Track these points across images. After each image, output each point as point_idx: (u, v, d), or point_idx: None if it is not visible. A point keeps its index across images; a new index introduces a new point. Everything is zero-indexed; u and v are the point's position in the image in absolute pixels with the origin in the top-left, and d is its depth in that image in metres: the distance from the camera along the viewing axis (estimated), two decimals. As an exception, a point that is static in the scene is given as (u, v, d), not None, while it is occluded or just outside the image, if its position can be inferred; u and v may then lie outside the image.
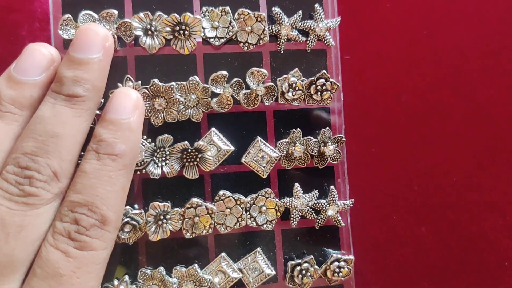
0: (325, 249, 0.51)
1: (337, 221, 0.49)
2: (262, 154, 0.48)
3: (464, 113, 0.59)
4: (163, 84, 0.46)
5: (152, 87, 0.46)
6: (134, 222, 0.45)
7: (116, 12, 0.45)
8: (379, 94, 0.58)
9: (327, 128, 0.49)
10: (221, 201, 0.47)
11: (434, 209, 0.59)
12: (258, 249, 0.48)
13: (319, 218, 0.49)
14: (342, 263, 0.49)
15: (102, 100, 0.46)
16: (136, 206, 0.47)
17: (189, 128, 0.48)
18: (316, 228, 0.49)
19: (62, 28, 0.46)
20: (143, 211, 0.46)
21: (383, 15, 0.58)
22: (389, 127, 0.58)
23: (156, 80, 0.46)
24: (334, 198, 0.48)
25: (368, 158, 0.57)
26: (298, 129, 0.48)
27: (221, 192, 0.47)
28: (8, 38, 0.56)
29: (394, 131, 0.59)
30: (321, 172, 0.50)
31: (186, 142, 0.46)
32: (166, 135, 0.46)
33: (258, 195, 0.48)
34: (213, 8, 0.47)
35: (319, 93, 0.48)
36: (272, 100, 0.48)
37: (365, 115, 0.56)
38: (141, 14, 0.46)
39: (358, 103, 0.54)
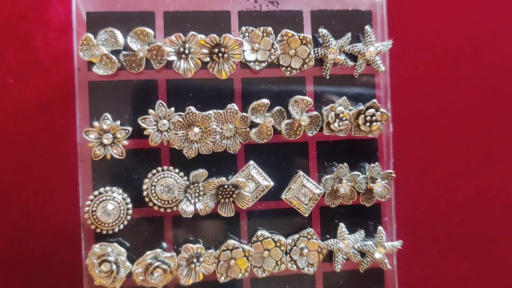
0: (367, 291, 0.46)
1: (384, 264, 0.45)
2: (304, 191, 0.43)
3: (509, 139, 0.55)
4: (200, 112, 0.41)
5: (188, 116, 0.41)
6: (165, 266, 0.41)
7: (152, 32, 0.41)
8: (417, 119, 0.53)
9: (376, 163, 0.44)
10: (259, 242, 0.43)
11: (477, 244, 0.55)
12: (298, 293, 0.44)
13: (365, 261, 0.44)
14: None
15: (130, 129, 0.41)
16: (164, 244, 0.43)
17: (224, 160, 0.43)
18: (361, 271, 0.45)
19: (82, 49, 0.41)
20: (175, 254, 0.41)
21: (424, 32, 0.54)
22: (428, 155, 0.54)
23: (192, 108, 0.41)
24: (381, 240, 0.44)
25: (406, 189, 0.53)
26: (345, 164, 0.44)
27: (259, 233, 0.43)
28: (20, 48, 0.51)
29: (433, 159, 0.54)
30: (367, 210, 0.45)
31: (224, 178, 0.42)
32: (201, 170, 0.42)
33: (300, 236, 0.43)
34: (253, 29, 0.43)
35: (368, 123, 0.43)
36: (316, 130, 0.44)
37: (401, 142, 0.51)
38: (173, 37, 0.41)
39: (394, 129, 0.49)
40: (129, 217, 0.42)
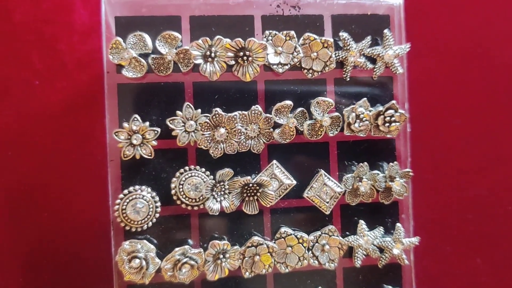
0: (384, 285, 0.48)
1: (401, 260, 0.46)
2: (326, 189, 0.45)
3: (520, 138, 0.57)
4: (226, 114, 0.43)
5: (214, 117, 0.42)
6: (192, 262, 0.42)
7: (180, 36, 0.42)
8: (429, 117, 0.55)
9: (395, 162, 0.46)
10: (282, 239, 0.44)
11: (490, 239, 0.57)
12: (319, 288, 0.46)
13: (383, 256, 0.46)
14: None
15: (158, 130, 0.42)
16: (190, 241, 0.44)
17: (248, 159, 0.45)
18: (379, 267, 0.46)
19: (112, 52, 0.42)
20: (202, 250, 0.43)
21: (440, 35, 0.55)
22: (441, 153, 0.56)
23: (218, 110, 0.43)
24: (400, 236, 0.46)
25: (421, 187, 0.54)
26: (366, 163, 0.45)
27: (282, 230, 0.44)
28: (45, 52, 0.52)
29: (445, 157, 0.56)
30: (385, 207, 0.47)
31: (249, 177, 0.43)
32: (227, 169, 0.43)
33: (322, 233, 0.45)
34: (276, 32, 0.44)
35: (386, 124, 0.45)
36: (337, 131, 0.45)
37: (414, 140, 0.52)
38: (200, 41, 0.42)
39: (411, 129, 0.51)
40: (157, 215, 0.43)
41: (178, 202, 0.43)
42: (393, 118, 0.45)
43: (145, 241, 0.43)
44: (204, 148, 0.43)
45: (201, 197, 0.43)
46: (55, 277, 0.49)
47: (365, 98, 0.45)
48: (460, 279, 0.55)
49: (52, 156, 0.51)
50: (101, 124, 0.51)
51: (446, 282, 0.55)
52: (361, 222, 0.46)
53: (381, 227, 0.46)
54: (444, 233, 0.55)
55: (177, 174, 0.43)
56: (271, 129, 0.44)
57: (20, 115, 0.50)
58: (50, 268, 0.49)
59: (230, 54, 0.43)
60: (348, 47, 0.45)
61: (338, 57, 0.45)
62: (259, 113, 0.43)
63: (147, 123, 0.42)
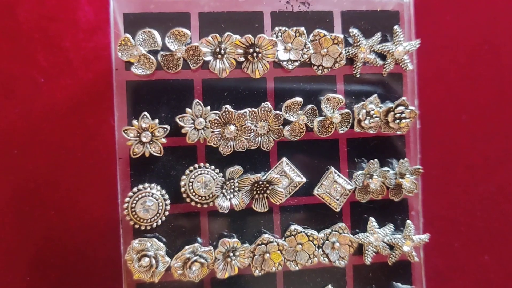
0: (394, 283, 0.48)
1: (411, 257, 0.46)
2: (336, 186, 0.45)
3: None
4: (236, 111, 0.42)
5: (224, 114, 0.42)
6: (202, 260, 0.42)
7: (189, 33, 0.42)
8: (437, 113, 0.54)
9: (405, 159, 0.45)
10: (292, 236, 0.44)
11: (498, 236, 0.57)
12: (329, 286, 0.45)
13: (393, 253, 0.46)
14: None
15: (168, 127, 0.42)
16: (199, 239, 0.44)
17: (258, 157, 0.44)
18: (389, 264, 0.46)
19: (121, 49, 0.42)
20: (212, 248, 0.43)
21: (449, 31, 0.55)
22: (449, 149, 0.56)
23: (228, 107, 0.42)
24: (410, 233, 0.46)
25: (430, 184, 0.54)
26: (376, 160, 0.45)
27: (292, 227, 0.44)
28: (50, 49, 0.52)
29: (453, 153, 0.56)
30: (395, 204, 0.47)
31: (259, 174, 0.43)
32: (237, 166, 0.43)
33: (332, 230, 0.45)
34: (286, 29, 0.44)
35: (397, 121, 0.45)
36: (347, 128, 0.45)
37: (425, 136, 0.52)
38: (209, 37, 0.42)
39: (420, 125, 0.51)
40: (167, 213, 0.43)
41: (188, 200, 0.43)
42: (403, 115, 0.45)
43: (154, 239, 0.42)
44: (213, 145, 0.43)
45: (211, 195, 0.43)
46: (63, 276, 0.49)
47: (375, 95, 0.45)
48: (469, 275, 0.55)
49: (59, 154, 0.50)
50: (107, 121, 0.51)
51: (455, 279, 0.54)
52: (371, 219, 0.45)
53: (391, 224, 0.46)
54: (453, 229, 0.55)
55: (187, 171, 0.43)
56: (281, 126, 0.44)
57: (25, 113, 0.50)
58: (58, 267, 0.49)
59: (240, 50, 0.43)
60: (358, 44, 0.45)
61: (348, 54, 0.45)
62: (269, 110, 0.43)
63: (156, 121, 0.42)
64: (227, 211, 0.43)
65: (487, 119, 0.55)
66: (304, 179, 0.44)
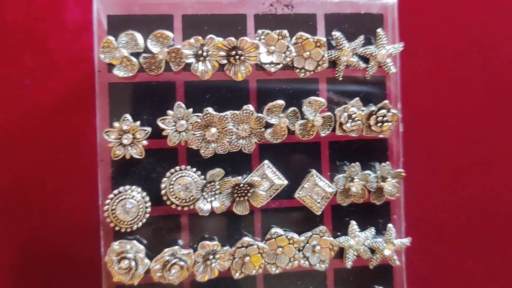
0: (375, 286, 0.48)
1: (392, 261, 0.46)
2: (317, 189, 0.45)
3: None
4: (217, 113, 0.42)
5: (205, 117, 0.42)
6: (182, 263, 0.42)
7: (172, 35, 0.42)
8: (422, 117, 0.54)
9: (387, 162, 0.46)
10: (273, 239, 0.44)
11: (482, 240, 0.57)
12: (310, 289, 0.46)
13: (375, 257, 0.46)
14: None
15: (149, 129, 0.42)
16: (180, 242, 0.44)
17: (240, 159, 0.44)
18: (370, 268, 0.46)
19: (104, 51, 0.42)
20: (191, 250, 0.43)
21: (433, 34, 0.55)
22: (433, 153, 0.56)
23: (210, 109, 0.42)
24: (391, 237, 0.46)
25: (411, 185, 0.54)
26: (358, 163, 0.45)
27: (273, 230, 0.44)
28: (36, 50, 0.52)
29: (438, 157, 0.56)
30: (376, 208, 0.47)
31: (240, 177, 0.43)
32: (218, 169, 0.43)
33: (312, 233, 0.45)
34: (269, 32, 0.44)
35: (379, 124, 0.45)
36: (328, 131, 0.45)
37: (408, 139, 0.52)
38: (192, 40, 0.42)
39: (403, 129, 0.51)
40: (147, 216, 0.43)
41: (168, 202, 0.43)
42: (385, 118, 0.45)
43: (134, 241, 0.42)
44: (195, 148, 0.43)
45: (191, 198, 0.43)
46: (44, 276, 0.49)
47: (357, 98, 0.45)
48: (452, 280, 0.55)
49: (42, 156, 0.50)
50: (92, 123, 0.51)
51: (437, 283, 0.54)
52: (353, 222, 0.45)
53: (373, 227, 0.46)
54: (436, 233, 0.55)
55: (168, 174, 0.43)
56: (263, 129, 0.44)
57: (10, 114, 0.50)
58: (40, 268, 0.49)
59: (222, 53, 0.43)
60: (341, 47, 0.45)
61: (330, 57, 0.45)
62: (251, 112, 0.43)
63: (138, 123, 0.42)
64: (207, 214, 0.43)
65: (472, 123, 0.55)
66: (286, 182, 0.44)
